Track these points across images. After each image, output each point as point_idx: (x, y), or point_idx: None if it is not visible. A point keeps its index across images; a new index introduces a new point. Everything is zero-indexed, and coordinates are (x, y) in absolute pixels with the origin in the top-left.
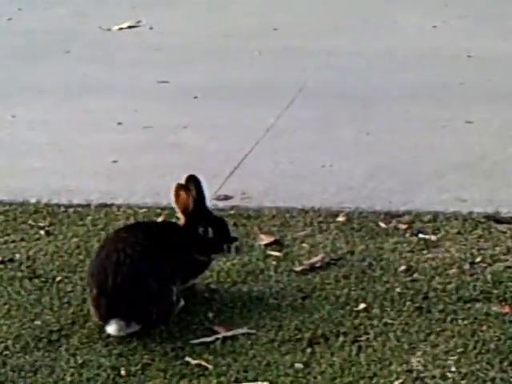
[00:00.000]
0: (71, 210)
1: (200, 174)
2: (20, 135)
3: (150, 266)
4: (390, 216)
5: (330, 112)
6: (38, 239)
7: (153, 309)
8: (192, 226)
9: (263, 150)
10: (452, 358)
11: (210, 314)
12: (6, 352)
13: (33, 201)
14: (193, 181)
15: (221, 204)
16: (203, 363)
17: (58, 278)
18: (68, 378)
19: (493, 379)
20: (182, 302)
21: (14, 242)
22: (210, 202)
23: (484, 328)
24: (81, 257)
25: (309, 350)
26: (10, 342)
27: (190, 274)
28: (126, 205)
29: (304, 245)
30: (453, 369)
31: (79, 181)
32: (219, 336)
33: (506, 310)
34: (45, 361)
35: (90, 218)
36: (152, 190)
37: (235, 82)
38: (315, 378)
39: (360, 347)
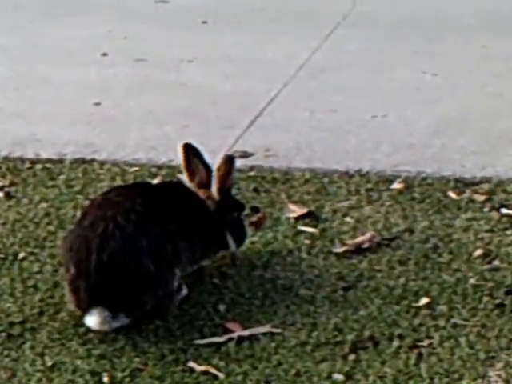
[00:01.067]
0: (39, 166)
1: (210, 123)
2: None
3: (147, 241)
4: (462, 184)
5: (383, 45)
6: None
7: (147, 297)
8: (225, 207)
9: (294, 94)
10: None
11: (222, 307)
12: None
13: None
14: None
15: (238, 163)
16: (212, 370)
17: (21, 255)
18: None
19: None
20: (186, 291)
21: None
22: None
23: None
24: (51, 227)
25: (352, 357)
26: None
27: (203, 252)
28: (111, 161)
29: (347, 219)
30: None
31: (50, 128)
32: (233, 336)
33: None
34: (3, 362)
35: (63, 177)
36: (146, 143)
37: (256, 3)
38: None
39: (420, 355)
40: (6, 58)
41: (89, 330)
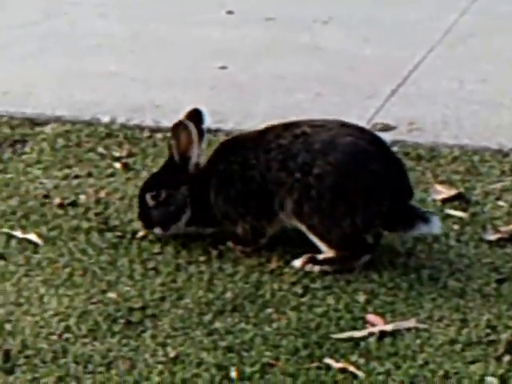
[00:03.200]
0: (159, 135)
1: (347, 91)
2: (85, 25)
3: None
4: None
5: None
6: (111, 175)
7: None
8: None
9: (440, 61)
10: None
11: (361, 298)
12: (68, 335)
13: (105, 120)
14: None
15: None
16: (350, 368)
17: (141, 233)
18: (155, 378)
19: None
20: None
21: (77, 177)
22: None
23: None
24: None
25: (507, 358)
26: (72, 321)
27: None
28: (237, 131)
29: (500, 203)
30: None
31: (170, 94)
32: (374, 330)
33: None
34: (122, 351)
35: None
36: (276, 112)
37: None
38: None
39: None
40: (120, 18)
41: (214, 319)
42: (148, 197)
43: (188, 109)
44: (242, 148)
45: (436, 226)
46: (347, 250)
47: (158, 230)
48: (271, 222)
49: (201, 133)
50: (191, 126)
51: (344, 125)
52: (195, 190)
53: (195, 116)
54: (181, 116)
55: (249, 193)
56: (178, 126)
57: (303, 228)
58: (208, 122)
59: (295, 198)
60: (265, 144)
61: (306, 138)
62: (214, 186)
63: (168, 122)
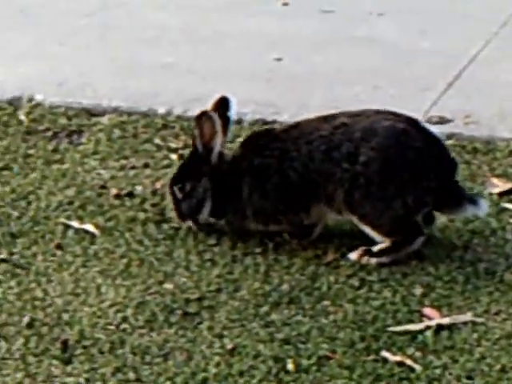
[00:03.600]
0: None
1: (404, 84)
2: (143, 16)
3: None
4: None
5: None
6: (168, 166)
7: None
8: None
9: (497, 53)
10: None
11: (418, 291)
12: (125, 325)
13: (161, 111)
14: None
15: (434, 129)
16: (407, 362)
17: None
18: (212, 370)
19: None
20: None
21: (133, 168)
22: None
23: None
24: None
25: None
26: (129, 312)
27: None
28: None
29: None
30: None
31: (227, 85)
32: (431, 324)
33: None
34: (179, 342)
35: (240, 139)
36: (332, 104)
37: None
38: None
39: None
40: (177, 9)
41: (270, 311)
42: (176, 189)
43: (215, 97)
44: (277, 141)
45: (483, 208)
46: (400, 234)
47: (189, 223)
48: (309, 212)
49: (226, 122)
50: (215, 116)
51: (379, 111)
52: (217, 180)
53: (222, 104)
54: (210, 105)
55: (287, 186)
56: (202, 116)
57: (354, 219)
58: (234, 111)
59: (345, 188)
60: (305, 136)
61: (346, 129)
62: (249, 183)
63: None
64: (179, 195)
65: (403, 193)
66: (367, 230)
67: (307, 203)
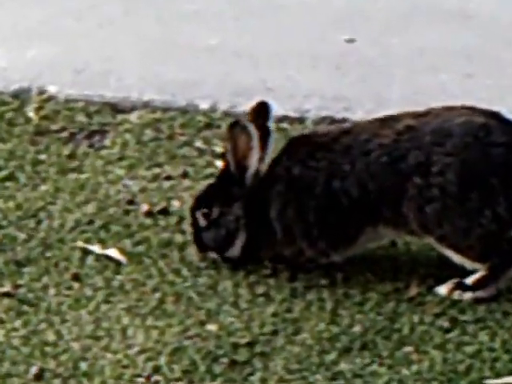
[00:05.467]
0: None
1: (506, 71)
2: None
3: None
4: None
5: None
6: (211, 176)
7: None
8: None
9: None
10: None
11: None
12: (157, 377)
13: (204, 106)
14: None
15: None
16: None
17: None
18: None
19: None
20: None
21: (169, 178)
22: None
23: None
24: None
25: None
26: (163, 361)
27: None
28: None
29: None
30: None
31: (284, 73)
32: None
33: None
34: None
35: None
36: (414, 96)
37: None
38: None
39: None
40: None
41: (339, 359)
42: (199, 215)
43: (253, 103)
44: (324, 150)
45: None
46: (496, 257)
47: (213, 255)
48: (352, 244)
49: (265, 134)
50: (251, 128)
51: (449, 108)
52: (253, 205)
53: (261, 112)
54: (249, 112)
55: (334, 209)
56: (235, 127)
57: (432, 241)
58: (273, 118)
59: (416, 206)
60: (360, 144)
61: (412, 133)
62: (280, 194)
63: (283, 109)
64: (203, 222)
65: (492, 202)
66: (451, 254)
67: (358, 230)
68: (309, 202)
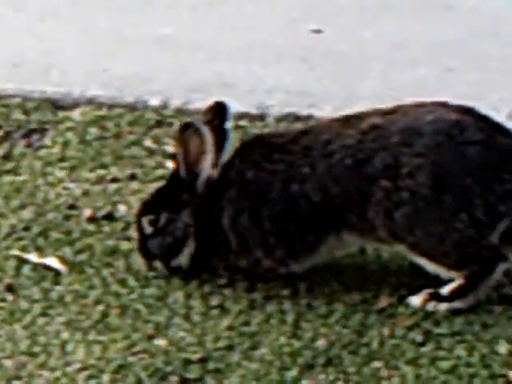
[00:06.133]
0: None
1: (489, 65)
2: None
3: None
4: None
5: None
6: (162, 178)
7: None
8: None
9: None
10: None
11: (503, 348)
12: None
13: (154, 102)
14: None
15: None
16: None
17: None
18: None
19: None
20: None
21: (115, 181)
22: None
23: None
24: None
25: None
26: (105, 379)
27: None
28: None
29: None
30: None
31: (244, 66)
32: None
33: None
34: None
35: None
36: (389, 92)
37: None
38: None
39: None
40: None
41: (301, 376)
42: (145, 221)
43: (210, 101)
44: (281, 152)
45: None
46: (474, 264)
47: (158, 265)
48: (313, 253)
49: (222, 137)
50: (204, 130)
51: (419, 104)
52: (203, 213)
53: (217, 112)
54: (204, 112)
55: (292, 215)
56: (186, 129)
57: (403, 249)
58: (230, 119)
59: (383, 210)
60: (321, 146)
61: (379, 132)
62: (232, 201)
63: (242, 106)
64: (149, 229)
65: (468, 205)
66: (424, 263)
67: (319, 238)
68: (264, 208)
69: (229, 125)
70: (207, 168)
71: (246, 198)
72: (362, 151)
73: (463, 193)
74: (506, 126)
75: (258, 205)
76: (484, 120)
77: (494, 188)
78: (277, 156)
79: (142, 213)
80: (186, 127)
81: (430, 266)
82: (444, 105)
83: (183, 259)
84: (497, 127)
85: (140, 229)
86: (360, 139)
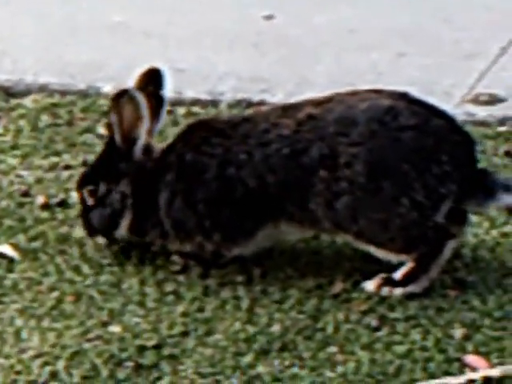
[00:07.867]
0: (181, 110)
1: (442, 49)
2: None
3: None
4: None
5: None
6: None
7: None
8: None
9: None
10: None
11: (458, 332)
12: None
13: (107, 89)
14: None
15: (482, 111)
16: None
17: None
18: None
19: None
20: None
21: (68, 168)
22: None
23: None
24: None
25: None
26: (60, 365)
27: None
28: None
29: None
30: None
31: (197, 53)
32: (475, 376)
33: None
34: None
35: None
36: (341, 77)
37: None
38: None
39: None
40: None
41: (256, 362)
42: (85, 193)
43: (142, 69)
44: (221, 136)
45: None
46: (422, 245)
47: (100, 240)
48: (250, 238)
49: (158, 103)
50: (139, 97)
51: (353, 92)
52: (141, 184)
53: (152, 79)
54: (138, 79)
55: (228, 199)
56: (120, 96)
57: (349, 238)
58: (168, 86)
59: (324, 201)
60: (259, 134)
61: (314, 123)
62: (169, 184)
63: (194, 92)
64: (90, 201)
65: (408, 190)
66: (373, 250)
67: (255, 224)
68: (199, 191)
69: (165, 91)
70: (143, 134)
71: (183, 181)
72: (298, 142)
73: (401, 178)
74: (440, 107)
75: (193, 187)
76: (418, 104)
77: (432, 170)
78: (216, 140)
79: (81, 184)
80: (120, 95)
81: (379, 253)
82: (378, 91)
83: (121, 231)
84: (431, 110)
85: (83, 201)
86: (296, 129)
